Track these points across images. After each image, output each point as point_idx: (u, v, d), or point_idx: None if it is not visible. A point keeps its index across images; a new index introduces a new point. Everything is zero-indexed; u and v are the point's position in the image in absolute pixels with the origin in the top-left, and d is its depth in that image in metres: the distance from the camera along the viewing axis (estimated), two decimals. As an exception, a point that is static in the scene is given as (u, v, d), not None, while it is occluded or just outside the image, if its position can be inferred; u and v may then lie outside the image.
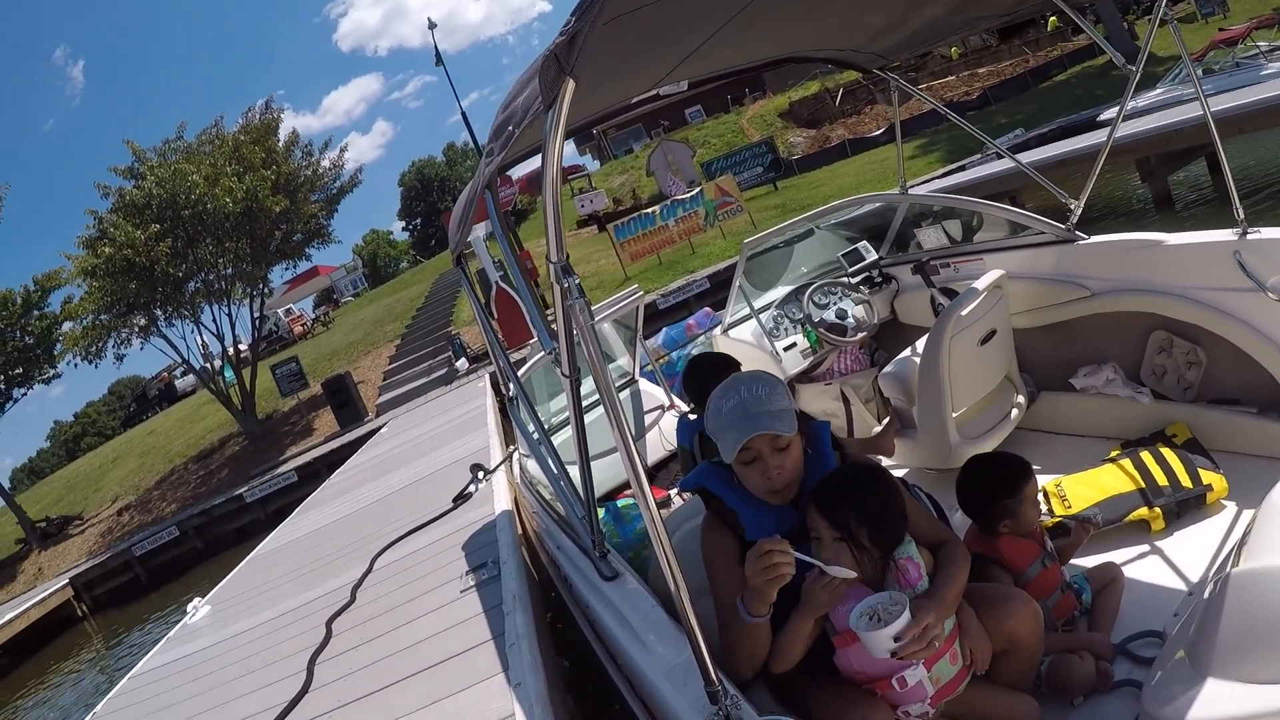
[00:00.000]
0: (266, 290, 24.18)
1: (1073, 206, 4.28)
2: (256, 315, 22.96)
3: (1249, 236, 3.45)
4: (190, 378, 30.63)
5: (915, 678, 2.17)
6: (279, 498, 16.60)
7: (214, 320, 21.68)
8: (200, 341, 22.10)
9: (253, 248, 20.91)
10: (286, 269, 25.51)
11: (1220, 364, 3.81)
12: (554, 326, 2.40)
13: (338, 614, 4.60)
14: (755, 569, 2.10)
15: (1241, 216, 3.46)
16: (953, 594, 2.29)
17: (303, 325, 38.52)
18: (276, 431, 21.82)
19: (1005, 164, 14.92)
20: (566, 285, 1.86)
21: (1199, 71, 16.72)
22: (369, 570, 5.27)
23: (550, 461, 3.31)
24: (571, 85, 1.66)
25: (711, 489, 2.54)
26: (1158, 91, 16.92)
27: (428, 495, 6.83)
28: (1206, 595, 2.10)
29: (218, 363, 22.58)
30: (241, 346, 23.08)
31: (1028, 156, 12.07)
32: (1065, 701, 2.71)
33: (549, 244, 1.89)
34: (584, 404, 2.77)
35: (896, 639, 2.06)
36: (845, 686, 2.23)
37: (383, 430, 15.65)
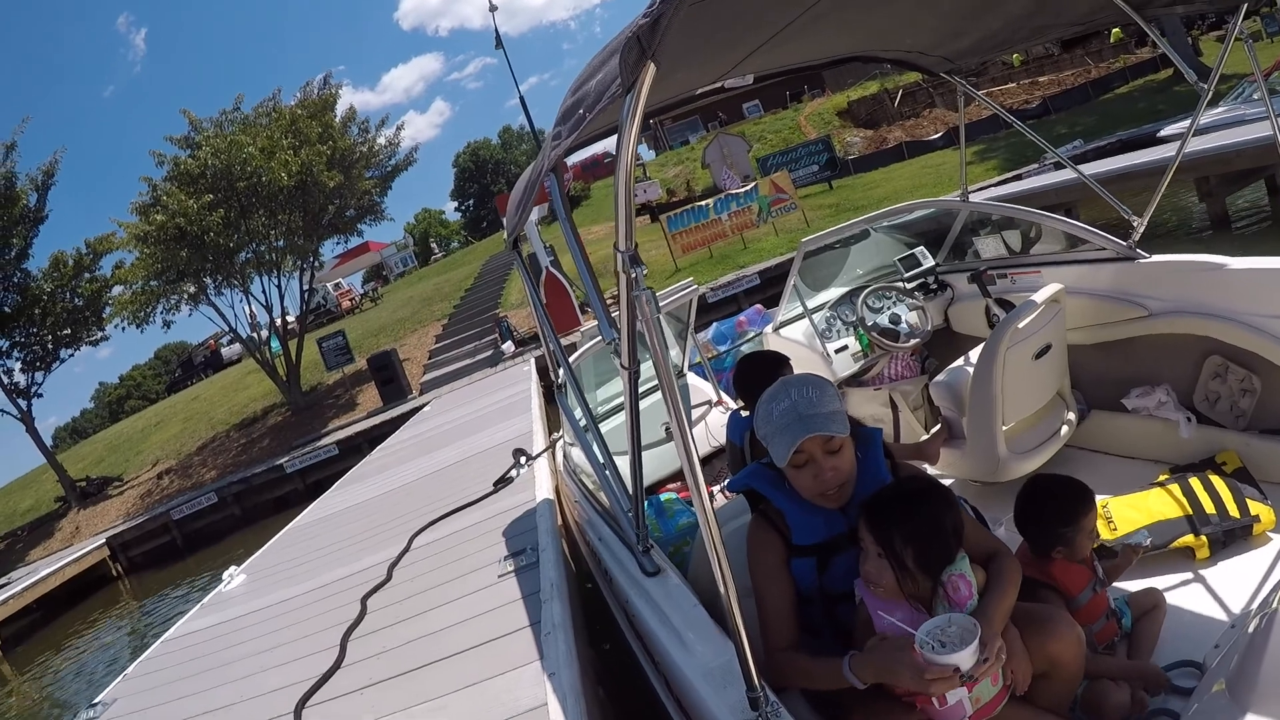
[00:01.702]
0: (316, 264, 24.35)
1: (1135, 223, 4.19)
2: (305, 288, 23.12)
3: None
4: (236, 346, 31.00)
5: (956, 696, 2.12)
6: (318, 470, 16.77)
7: (263, 291, 21.86)
8: (248, 311, 22.31)
9: (305, 221, 21.06)
10: (338, 243, 25.89)
11: (1275, 393, 3.73)
12: (615, 315, 2.35)
13: (373, 591, 4.61)
14: (909, 675, 2.04)
15: None
16: (1002, 614, 2.23)
17: (351, 300, 38.79)
18: (320, 404, 22.00)
19: (1062, 175, 14.75)
20: (634, 275, 1.82)
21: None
22: (406, 549, 5.28)
23: (597, 450, 3.29)
24: (652, 69, 1.62)
25: (760, 490, 2.52)
26: (1220, 110, 16.51)
27: (468, 477, 6.84)
28: (1250, 629, 2.04)
29: (264, 333, 22.77)
30: (289, 318, 23.20)
31: (1086, 169, 11.88)
32: None
33: (618, 232, 1.85)
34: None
35: (960, 670, 2.00)
36: (883, 698, 2.18)
37: (426, 409, 15.75)
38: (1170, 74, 31.27)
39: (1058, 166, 17.50)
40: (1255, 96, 16.07)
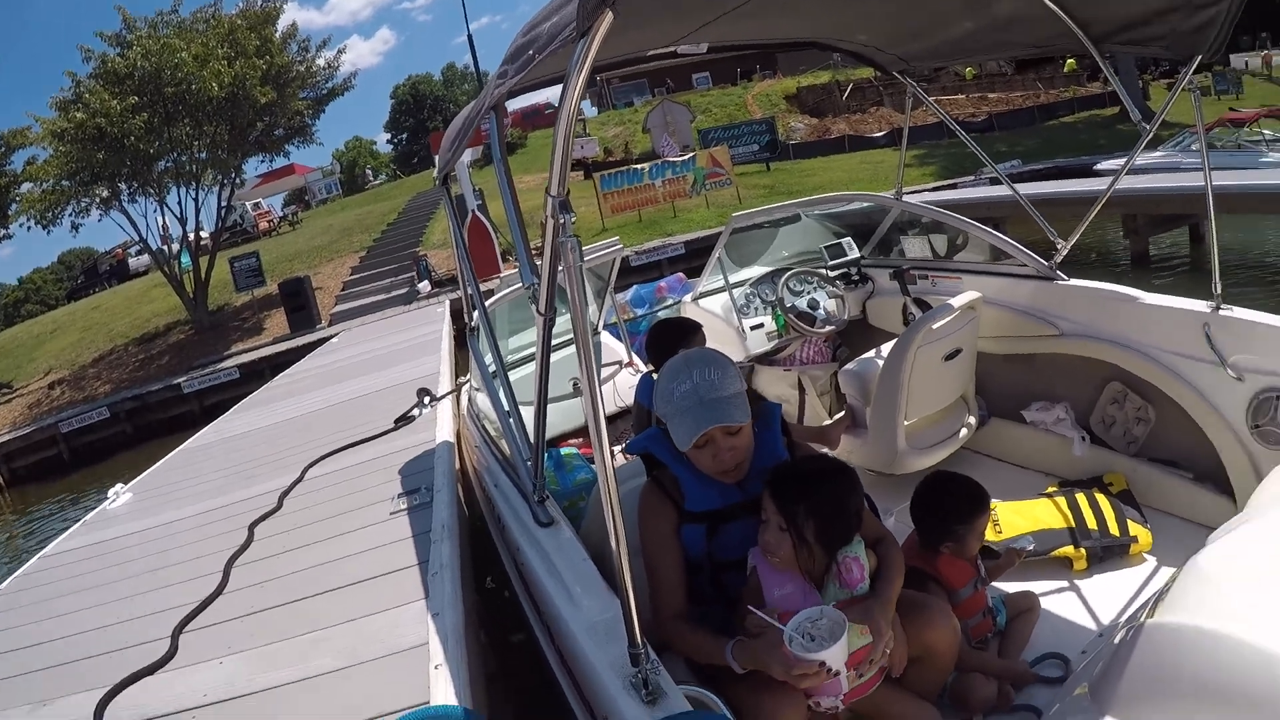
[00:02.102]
0: (238, 180, 23.72)
1: (1059, 246, 4.33)
2: (223, 204, 22.47)
3: (1221, 312, 3.52)
4: (145, 258, 29.95)
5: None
6: (217, 393, 16.35)
7: (179, 203, 21.23)
8: (161, 223, 21.69)
9: (231, 135, 20.44)
10: (262, 162, 25.10)
11: (1168, 426, 3.90)
12: (538, 262, 2.34)
13: (262, 519, 4.53)
14: (782, 671, 2.07)
15: (1219, 291, 3.53)
16: (894, 600, 2.32)
17: (269, 222, 37.93)
18: (225, 325, 21.43)
19: (996, 191, 15.17)
20: (562, 221, 1.80)
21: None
22: (300, 479, 5.19)
23: (503, 397, 3.28)
24: (610, 18, 1.59)
25: (657, 456, 2.53)
26: (1158, 154, 17.21)
27: (370, 412, 6.74)
28: (1117, 640, 2.15)
29: (176, 247, 22.06)
30: (203, 234, 22.61)
31: (1021, 188, 12.19)
32: (965, 717, 2.78)
33: (551, 177, 1.82)
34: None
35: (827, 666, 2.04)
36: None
37: (334, 340, 15.48)
38: (1116, 112, 32.33)
39: (993, 182, 17.98)
40: (1194, 147, 16.90)
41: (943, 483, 3.09)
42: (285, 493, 4.94)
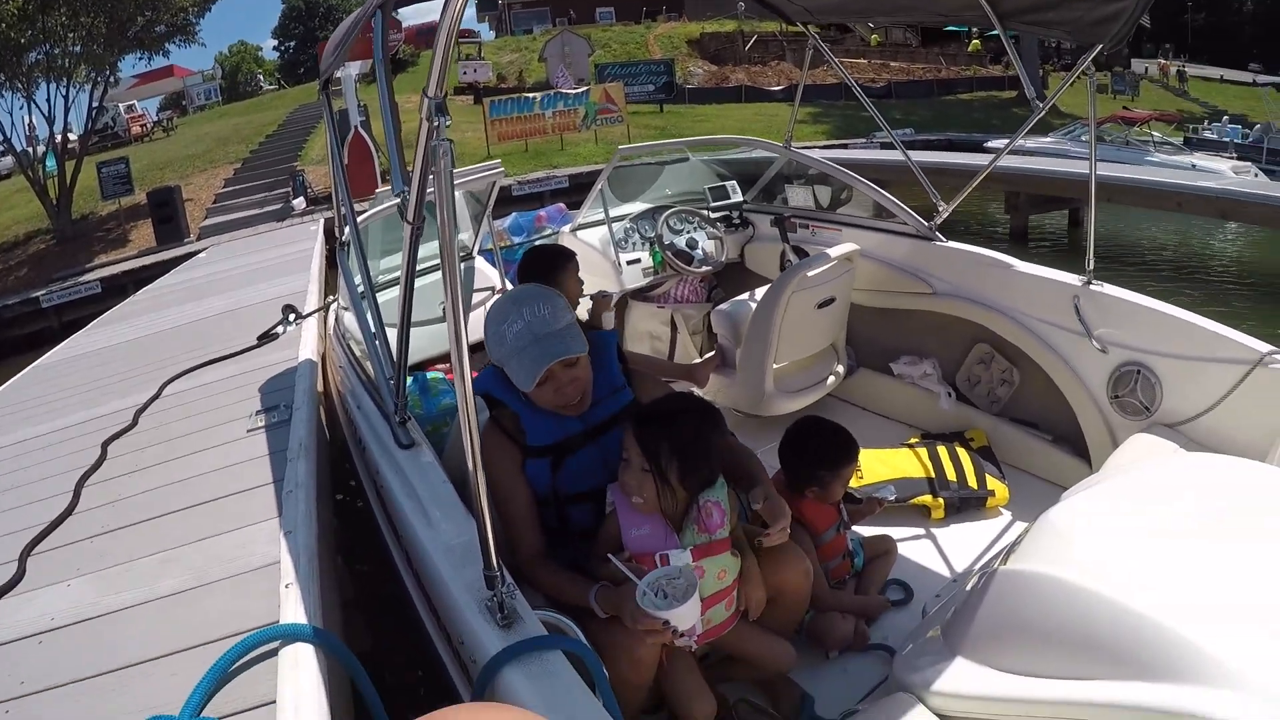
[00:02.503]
0: (113, 79, 22.19)
1: (941, 208, 4.48)
2: (95, 105, 21.10)
3: (1092, 287, 3.72)
4: (8, 160, 27.86)
5: (680, 561, 2.26)
6: (77, 308, 15.33)
7: (48, 100, 19.75)
8: (27, 121, 20.30)
9: (109, 29, 19.10)
10: (140, 60, 23.72)
11: (1030, 389, 4.13)
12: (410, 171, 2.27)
13: (116, 437, 4.33)
14: (630, 621, 2.11)
15: (1091, 268, 3.72)
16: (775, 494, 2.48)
17: (142, 126, 35.69)
18: (89, 236, 20.18)
19: (885, 155, 15.63)
20: (437, 124, 1.74)
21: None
22: (156, 396, 4.98)
23: (369, 316, 3.22)
24: None
25: (495, 394, 2.52)
26: (1048, 139, 18.19)
27: (235, 329, 6.49)
28: (970, 586, 2.28)
29: (41, 149, 20.69)
30: (71, 136, 21.25)
31: (900, 156, 12.65)
32: (821, 654, 2.91)
33: (430, 78, 1.76)
34: (423, 268, 2.67)
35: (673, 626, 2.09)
36: None
37: (201, 255, 14.82)
38: (1013, 96, 33.81)
39: (884, 147, 18.45)
40: (1083, 138, 18.04)
41: (814, 428, 3.19)
42: (141, 410, 4.74)
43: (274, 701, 1.88)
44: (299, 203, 18.54)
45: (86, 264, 18.15)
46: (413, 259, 2.57)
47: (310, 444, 3.46)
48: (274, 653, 2.04)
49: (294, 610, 2.19)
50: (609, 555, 2.24)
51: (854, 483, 3.57)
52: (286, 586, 2.31)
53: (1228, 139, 21.60)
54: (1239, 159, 17.92)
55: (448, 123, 1.75)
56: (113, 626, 2.45)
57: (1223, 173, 15.21)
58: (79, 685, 2.18)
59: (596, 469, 2.54)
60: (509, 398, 2.52)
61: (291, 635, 2.05)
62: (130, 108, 35.68)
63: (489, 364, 2.60)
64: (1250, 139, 21.59)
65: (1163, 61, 42.83)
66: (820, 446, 3.10)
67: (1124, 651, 1.77)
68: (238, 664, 2.03)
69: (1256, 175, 15.76)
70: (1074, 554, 2.00)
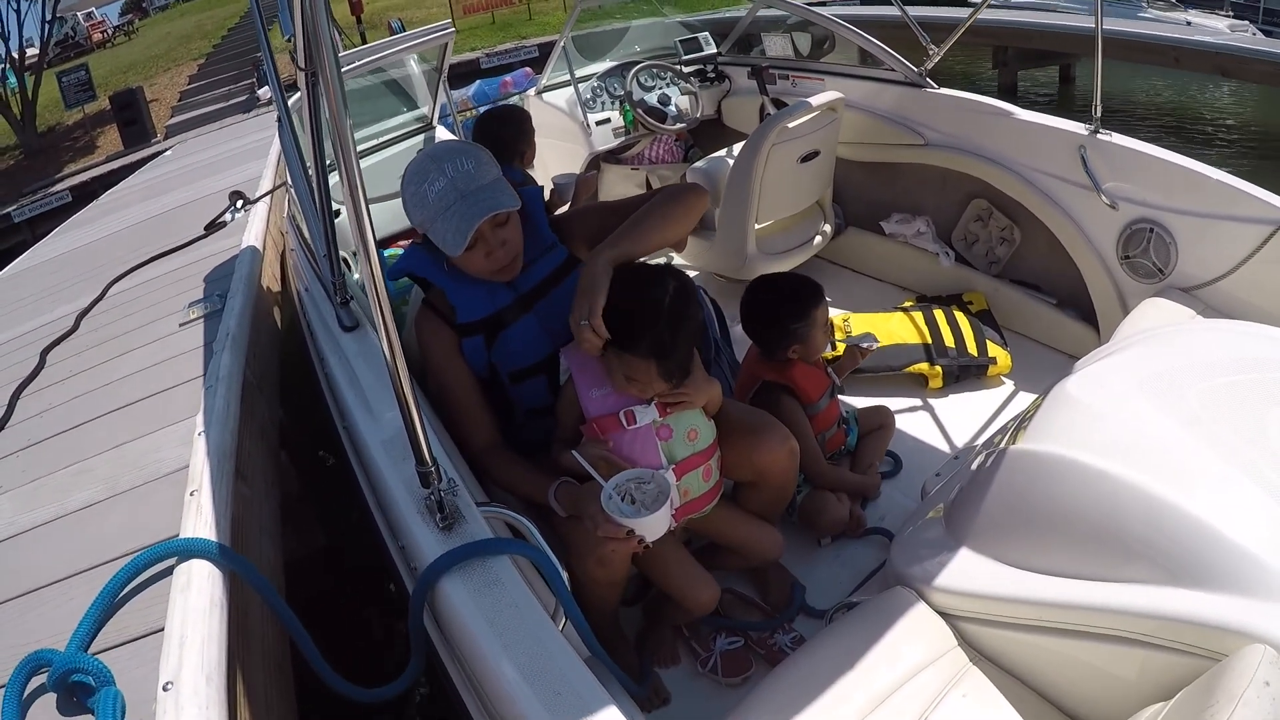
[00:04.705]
0: (63, -13, 21.39)
1: (931, 51, 4.06)
2: (51, 17, 20.39)
3: (1099, 136, 3.34)
4: None
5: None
6: (50, 219, 14.82)
7: (1, 17, 19.19)
8: (-14, 40, 19.52)
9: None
10: (94, -36, 22.59)
11: (1032, 248, 3.81)
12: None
13: (55, 344, 4.03)
14: (591, 525, 1.91)
15: (1098, 115, 3.33)
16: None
17: (103, 33, 34.72)
18: (56, 147, 19.71)
19: (857, 10, 15.01)
20: None
21: (1085, -14, 17.30)
22: (100, 298, 4.65)
23: (313, 193, 2.90)
24: None
25: (418, 273, 2.27)
26: None
27: (186, 223, 6.12)
28: (974, 465, 2.03)
29: (1, 66, 20.04)
30: (31, 50, 20.58)
31: (885, 11, 12.26)
32: (813, 539, 2.68)
33: None
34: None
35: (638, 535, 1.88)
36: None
37: (167, 154, 14.22)
38: None
39: (864, 2, 17.72)
40: None
41: (765, 284, 2.91)
42: (83, 313, 4.42)
43: (163, 629, 1.61)
44: (264, 92, 17.90)
45: (56, 175, 17.71)
46: (315, 117, 2.29)
47: (240, 335, 3.14)
48: (169, 573, 1.76)
49: (194, 522, 1.90)
50: (574, 452, 2.01)
51: (829, 356, 3.29)
52: (191, 494, 2.01)
53: (1223, -5, 20.81)
54: (1235, 18, 17.30)
55: None
56: (19, 548, 2.20)
57: (1219, 29, 14.67)
58: (-29, 617, 1.92)
59: (538, 339, 2.28)
60: (434, 274, 2.26)
61: (185, 550, 1.76)
62: (89, 15, 34.56)
63: (413, 242, 2.33)
64: (1246, -3, 20.81)
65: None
66: (778, 299, 2.80)
67: (1162, 553, 1.50)
68: (129, 587, 1.76)
69: (1254, 34, 15.18)
70: (1097, 434, 1.73)
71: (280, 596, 1.77)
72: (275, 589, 1.77)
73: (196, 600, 1.63)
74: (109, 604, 1.72)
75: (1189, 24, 15.20)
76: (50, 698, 1.53)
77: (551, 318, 2.27)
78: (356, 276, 3.35)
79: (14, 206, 15.80)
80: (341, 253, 2.76)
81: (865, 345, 3.07)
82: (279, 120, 3.87)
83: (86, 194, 14.80)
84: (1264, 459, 1.57)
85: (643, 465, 2.04)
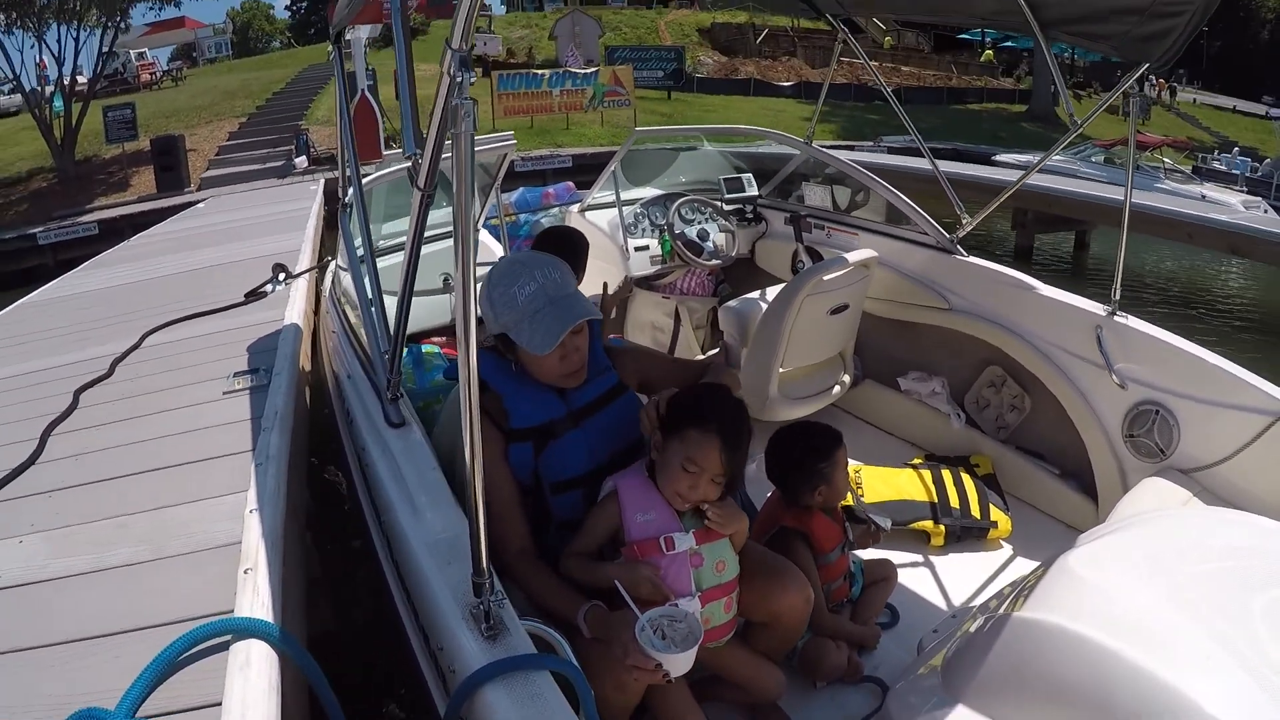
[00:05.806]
0: (124, 25, 22.26)
1: (965, 221, 4.29)
2: (105, 49, 21.04)
3: (1116, 318, 3.54)
4: (17, 97, 27.59)
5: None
6: (74, 248, 15.21)
7: (58, 42, 19.67)
8: (39, 61, 20.11)
9: (121, -26, 18.78)
10: (152, 9, 23.84)
11: (1041, 418, 3.95)
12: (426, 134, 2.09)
13: (90, 385, 4.14)
14: (620, 654, 1.95)
15: (1117, 298, 3.53)
16: None
17: (151, 75, 35.67)
18: (90, 178, 20.07)
19: (893, 160, 15.32)
20: (460, 79, 1.55)
21: (1101, 158, 18.24)
22: (136, 346, 4.78)
23: (368, 283, 3.04)
24: None
25: (482, 375, 2.39)
26: (1059, 158, 17.81)
27: (223, 284, 6.28)
28: (974, 627, 2.10)
29: (50, 89, 20.57)
30: (81, 79, 21.09)
31: (915, 163, 12.45)
32: (809, 682, 2.74)
33: (454, 28, 1.57)
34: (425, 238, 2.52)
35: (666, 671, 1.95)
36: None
37: (200, 205, 14.62)
38: (1023, 110, 33.27)
39: (890, 151, 18.19)
40: (1094, 159, 17.81)
41: (790, 432, 3.00)
42: (119, 359, 4.55)
43: (219, 703, 1.70)
44: (301, 161, 18.38)
45: (86, 205, 18.05)
46: (421, 226, 2.42)
47: (287, 415, 3.26)
48: (224, 647, 1.85)
49: (250, 601, 1.99)
50: (616, 583, 2.09)
51: (850, 501, 3.39)
52: (245, 572, 2.11)
53: (1237, 170, 21.39)
54: (1249, 193, 17.71)
55: (471, 79, 1.56)
56: (60, 594, 2.27)
57: (1233, 205, 14.96)
58: (17, 656, 2.00)
59: (580, 455, 2.39)
60: (496, 378, 2.37)
61: (245, 630, 1.86)
62: (140, 55, 35.55)
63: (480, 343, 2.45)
64: (1260, 173, 21.41)
65: (1160, 80, 42.37)
66: (803, 445, 2.90)
67: None
68: (184, 655, 1.84)
69: (1266, 211, 15.44)
70: (1096, 610, 1.83)
71: (330, 687, 1.85)
72: (327, 680, 1.86)
73: (256, 680, 1.72)
74: (163, 670, 1.79)
75: (1204, 197, 15.43)
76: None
77: (599, 436, 2.40)
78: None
79: (40, 229, 16.02)
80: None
81: (881, 526, 3.19)
82: (344, 207, 4.02)
83: (114, 230, 15.19)
84: (1245, 641, 1.69)
85: (675, 590, 2.14)
